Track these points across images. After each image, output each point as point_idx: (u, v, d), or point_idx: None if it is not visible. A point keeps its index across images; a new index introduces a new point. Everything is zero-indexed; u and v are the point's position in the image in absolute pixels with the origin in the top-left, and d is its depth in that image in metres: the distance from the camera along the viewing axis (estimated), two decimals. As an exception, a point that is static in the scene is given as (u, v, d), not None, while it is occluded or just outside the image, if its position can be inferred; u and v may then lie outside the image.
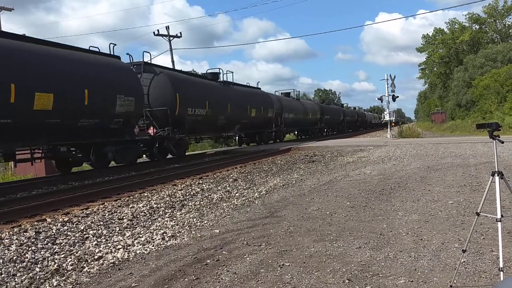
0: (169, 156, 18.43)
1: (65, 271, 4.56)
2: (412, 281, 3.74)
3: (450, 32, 63.14)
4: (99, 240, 5.77)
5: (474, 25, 62.23)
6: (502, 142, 3.62)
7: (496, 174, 3.53)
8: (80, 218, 7.14)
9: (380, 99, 28.36)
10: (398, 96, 27.94)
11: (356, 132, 56.04)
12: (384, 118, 29.67)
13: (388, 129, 28.85)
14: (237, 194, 9.02)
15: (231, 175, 12.32)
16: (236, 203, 7.99)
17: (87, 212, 7.63)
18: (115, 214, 7.41)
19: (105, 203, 8.53)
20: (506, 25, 61.44)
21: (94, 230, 6.29)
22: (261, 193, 8.90)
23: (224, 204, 7.93)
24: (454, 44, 61.20)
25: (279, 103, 30.25)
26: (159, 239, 5.64)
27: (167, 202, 8.34)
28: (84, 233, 6.13)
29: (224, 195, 9.03)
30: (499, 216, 3.41)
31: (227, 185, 10.35)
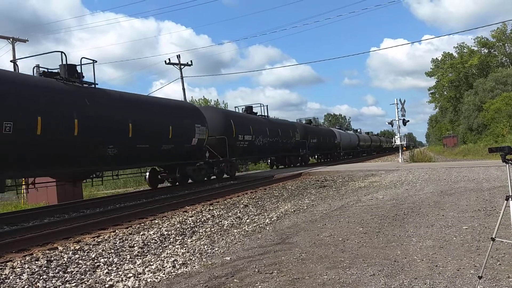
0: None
1: (76, 300, 4.53)
2: (428, 309, 3.65)
3: (459, 56, 63.37)
4: (110, 268, 5.75)
5: (483, 49, 62.46)
6: (515, 166, 3.58)
7: (510, 199, 3.48)
8: (91, 246, 7.14)
9: (391, 123, 28.33)
10: (408, 120, 27.94)
11: (369, 156, 57.03)
12: (395, 142, 29.56)
13: (400, 153, 28.69)
14: (248, 220, 8.97)
15: (242, 201, 12.27)
16: (247, 229, 7.94)
17: (98, 240, 7.63)
18: (126, 241, 7.39)
19: (116, 231, 8.53)
20: (515, 49, 61.53)
21: (105, 258, 6.28)
22: (272, 219, 8.84)
23: (235, 231, 7.88)
24: (463, 68, 61.33)
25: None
26: (170, 267, 5.60)
27: (178, 229, 8.32)
28: (95, 261, 6.12)
29: (235, 221, 8.98)
30: (515, 241, 3.35)
31: (238, 211, 10.30)
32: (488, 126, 44.70)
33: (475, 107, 50.41)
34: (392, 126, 28.57)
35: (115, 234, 8.17)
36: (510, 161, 3.54)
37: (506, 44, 61.31)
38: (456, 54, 64.89)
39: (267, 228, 7.92)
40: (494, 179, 13.41)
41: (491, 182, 12.56)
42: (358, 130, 68.23)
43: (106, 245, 7.16)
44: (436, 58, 68.45)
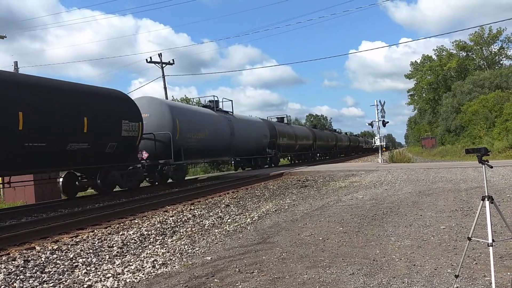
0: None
1: (54, 300, 4.46)
2: (406, 307, 3.70)
3: (438, 59, 64.40)
4: (88, 268, 5.67)
5: (461, 52, 63.61)
6: (491, 167, 3.66)
7: (486, 199, 3.56)
8: (69, 246, 7.04)
9: (371, 124, 28.63)
10: (388, 122, 28.26)
11: (357, 155, 62.38)
12: (375, 143, 29.90)
13: (379, 154, 29.03)
14: (229, 220, 8.96)
15: (223, 201, 12.25)
16: (228, 229, 7.93)
17: (77, 240, 7.53)
18: (105, 241, 7.31)
19: (95, 231, 8.42)
20: (492, 52, 62.87)
21: (84, 258, 6.19)
22: (254, 219, 8.85)
23: (216, 231, 7.86)
24: (442, 71, 62.34)
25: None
26: (149, 267, 5.55)
27: (158, 229, 8.25)
28: (74, 261, 6.03)
29: (216, 221, 8.96)
30: (490, 241, 3.43)
31: (219, 211, 10.28)
32: (465, 128, 45.49)
33: (453, 109, 51.29)
34: (372, 127, 28.92)
35: (93, 234, 8.06)
36: (486, 162, 3.62)
37: (483, 48, 62.61)
38: (435, 56, 65.99)
39: (248, 228, 7.92)
40: (471, 180, 13.68)
41: (468, 183, 12.81)
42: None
43: (84, 245, 7.06)
44: (416, 61, 69.49)
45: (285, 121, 38.12)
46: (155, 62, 32.75)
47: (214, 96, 25.80)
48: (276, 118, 37.06)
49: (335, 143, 52.94)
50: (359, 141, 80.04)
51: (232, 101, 26.84)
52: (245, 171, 28.13)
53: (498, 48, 62.46)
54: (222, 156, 25.15)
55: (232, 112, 26.60)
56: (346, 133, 71.08)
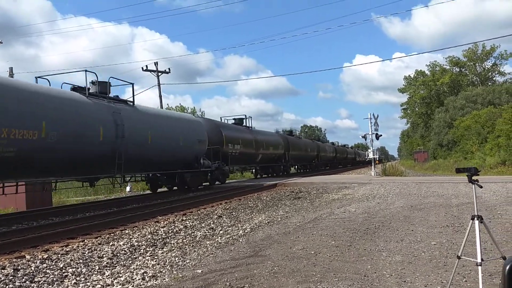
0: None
1: (42, 311, 4.43)
2: (395, 325, 3.71)
3: (431, 74, 65.05)
4: (78, 279, 5.64)
5: (454, 68, 64.33)
6: (481, 187, 3.71)
7: (475, 218, 3.60)
8: (59, 255, 6.99)
9: (364, 137, 28.84)
10: (381, 135, 28.48)
11: (345, 168, 59.30)
12: (368, 156, 30.08)
13: (372, 166, 29.15)
14: (221, 232, 8.94)
15: (216, 212, 12.22)
16: (220, 241, 7.91)
17: (67, 249, 7.48)
18: (95, 251, 7.26)
19: (85, 240, 8.37)
20: (486, 69, 63.62)
21: (73, 268, 6.15)
22: (246, 231, 8.84)
23: (208, 242, 7.84)
24: (435, 86, 62.98)
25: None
26: (139, 279, 5.53)
27: (148, 240, 8.22)
28: (63, 271, 5.99)
29: (208, 232, 8.94)
30: (479, 260, 3.46)
31: (211, 222, 10.26)
32: (457, 142, 45.89)
33: (445, 124, 51.77)
34: (365, 139, 29.13)
35: (84, 244, 8.01)
36: (476, 182, 3.67)
37: (476, 64, 63.38)
38: (428, 72, 66.67)
39: (240, 240, 7.91)
40: (462, 195, 13.75)
41: (460, 198, 12.88)
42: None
43: (74, 254, 7.02)
44: (409, 75, 70.26)
45: (246, 123, 29.57)
46: (151, 71, 32.79)
47: (85, 70, 14.55)
48: (233, 119, 29.43)
49: (317, 153, 46.17)
50: (348, 152, 72.48)
51: (133, 84, 17.00)
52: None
53: (491, 64, 63.34)
54: (98, 172, 14.39)
55: (133, 102, 16.65)
56: (332, 143, 65.30)
